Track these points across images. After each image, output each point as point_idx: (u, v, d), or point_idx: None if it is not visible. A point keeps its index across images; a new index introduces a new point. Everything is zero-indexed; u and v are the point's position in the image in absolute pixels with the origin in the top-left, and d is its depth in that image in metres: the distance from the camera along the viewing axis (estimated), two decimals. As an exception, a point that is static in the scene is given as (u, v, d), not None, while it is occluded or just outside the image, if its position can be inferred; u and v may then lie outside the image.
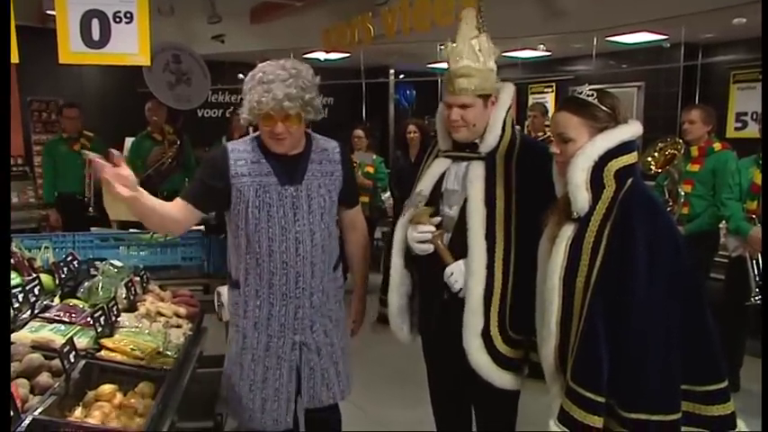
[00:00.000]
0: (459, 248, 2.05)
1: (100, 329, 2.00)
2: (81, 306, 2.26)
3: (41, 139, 7.39)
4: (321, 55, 8.93)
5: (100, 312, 2.02)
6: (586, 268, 1.68)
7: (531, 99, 9.50)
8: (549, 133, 4.64)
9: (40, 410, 1.62)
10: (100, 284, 2.37)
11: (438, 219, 2.13)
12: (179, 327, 2.39)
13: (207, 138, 5.79)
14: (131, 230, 3.12)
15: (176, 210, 2.12)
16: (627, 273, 1.60)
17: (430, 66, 9.53)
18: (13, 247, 2.55)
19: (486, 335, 2.01)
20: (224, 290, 2.56)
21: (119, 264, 2.59)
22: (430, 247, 2.08)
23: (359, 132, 5.74)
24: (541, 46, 8.09)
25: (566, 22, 6.14)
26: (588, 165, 1.67)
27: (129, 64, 2.65)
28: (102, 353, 1.98)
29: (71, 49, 2.64)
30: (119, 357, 1.97)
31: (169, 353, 2.12)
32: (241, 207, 2.07)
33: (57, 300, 2.32)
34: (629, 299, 1.60)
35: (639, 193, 1.68)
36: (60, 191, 5.25)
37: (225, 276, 3.20)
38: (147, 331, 2.17)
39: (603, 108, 1.71)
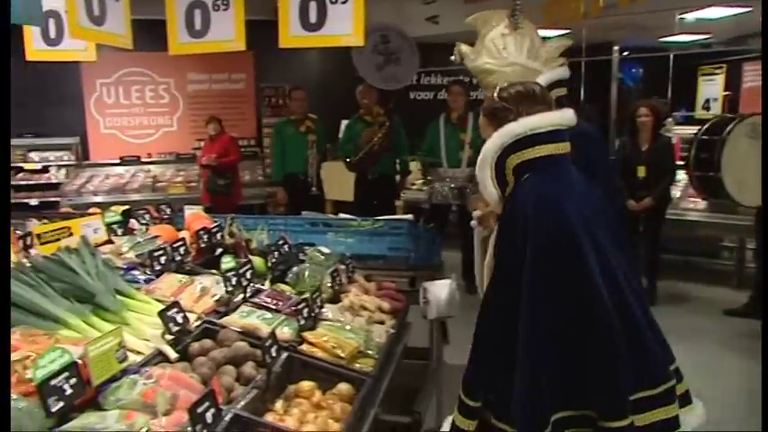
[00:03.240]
0: None
1: (303, 322, 1.93)
2: (288, 293, 2.24)
3: (270, 122, 8.02)
4: (542, 32, 8.38)
5: (303, 304, 1.95)
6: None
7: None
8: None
9: (242, 404, 1.57)
10: (307, 272, 2.33)
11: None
12: (382, 323, 2.26)
13: (418, 120, 5.69)
14: (341, 215, 3.10)
15: None
16: (494, 274, 1.68)
17: (662, 39, 8.44)
18: (234, 229, 2.65)
19: None
20: (431, 285, 2.39)
21: (326, 251, 2.55)
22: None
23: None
24: None
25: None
26: (486, 162, 1.68)
27: (344, 45, 2.59)
28: (304, 347, 1.91)
29: (290, 33, 2.65)
30: (320, 354, 1.89)
31: (370, 352, 2.00)
32: None
33: (267, 284, 2.33)
34: (487, 297, 1.69)
35: (519, 191, 1.63)
36: (287, 170, 5.55)
37: (431, 269, 3.04)
38: (348, 327, 2.06)
39: (500, 103, 1.70)
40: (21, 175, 7.44)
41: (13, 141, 7.51)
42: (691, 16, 7.21)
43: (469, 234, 5.36)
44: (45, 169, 7.52)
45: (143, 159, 7.78)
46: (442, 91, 8.90)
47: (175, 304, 1.75)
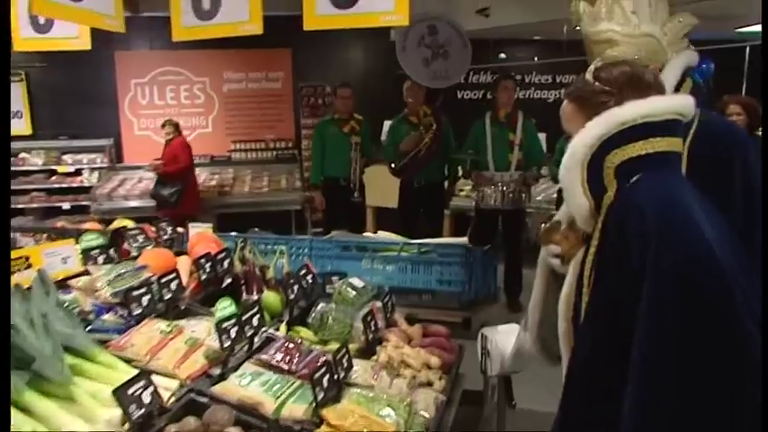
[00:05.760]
0: None
1: (321, 396, 1.41)
2: (307, 345, 1.72)
3: (309, 123, 7.57)
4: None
5: (322, 372, 1.43)
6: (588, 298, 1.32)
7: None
8: None
9: None
10: (331, 315, 1.82)
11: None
12: (429, 384, 1.72)
13: (467, 121, 5.12)
14: (380, 234, 2.57)
15: None
16: (591, 303, 1.28)
17: (739, 30, 7.62)
18: (247, 253, 2.15)
19: None
20: (493, 333, 1.83)
21: (359, 284, 2.03)
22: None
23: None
24: None
25: None
26: (576, 160, 1.25)
27: (382, 25, 2.08)
28: (323, 429, 1.39)
29: (317, 12, 2.15)
30: (344, 442, 1.36)
31: (413, 434, 1.46)
32: None
33: (282, 328, 1.82)
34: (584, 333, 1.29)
35: (632, 194, 1.20)
36: (326, 174, 5.05)
37: (487, 302, 2.49)
38: (384, 396, 1.53)
39: (598, 86, 1.28)
40: (54, 177, 7.21)
41: (47, 143, 7.32)
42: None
43: (516, 244, 4.79)
44: (78, 172, 7.27)
45: (177, 162, 7.44)
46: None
47: (138, 377, 1.26)
